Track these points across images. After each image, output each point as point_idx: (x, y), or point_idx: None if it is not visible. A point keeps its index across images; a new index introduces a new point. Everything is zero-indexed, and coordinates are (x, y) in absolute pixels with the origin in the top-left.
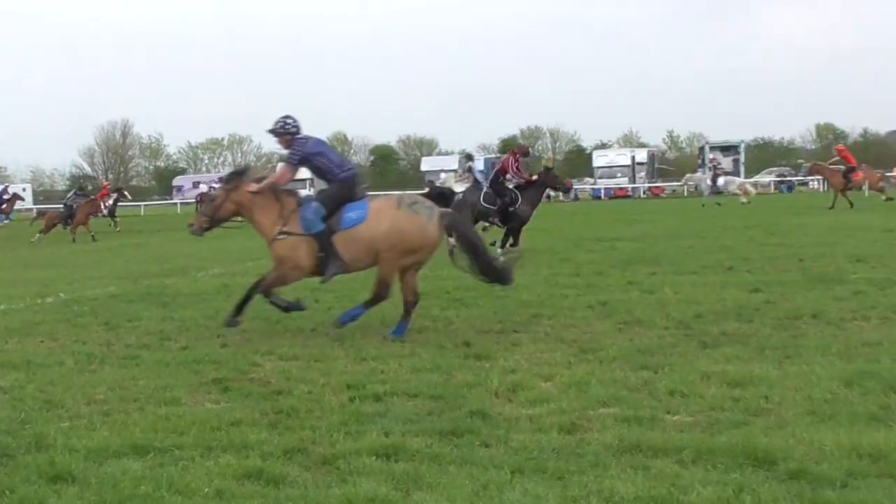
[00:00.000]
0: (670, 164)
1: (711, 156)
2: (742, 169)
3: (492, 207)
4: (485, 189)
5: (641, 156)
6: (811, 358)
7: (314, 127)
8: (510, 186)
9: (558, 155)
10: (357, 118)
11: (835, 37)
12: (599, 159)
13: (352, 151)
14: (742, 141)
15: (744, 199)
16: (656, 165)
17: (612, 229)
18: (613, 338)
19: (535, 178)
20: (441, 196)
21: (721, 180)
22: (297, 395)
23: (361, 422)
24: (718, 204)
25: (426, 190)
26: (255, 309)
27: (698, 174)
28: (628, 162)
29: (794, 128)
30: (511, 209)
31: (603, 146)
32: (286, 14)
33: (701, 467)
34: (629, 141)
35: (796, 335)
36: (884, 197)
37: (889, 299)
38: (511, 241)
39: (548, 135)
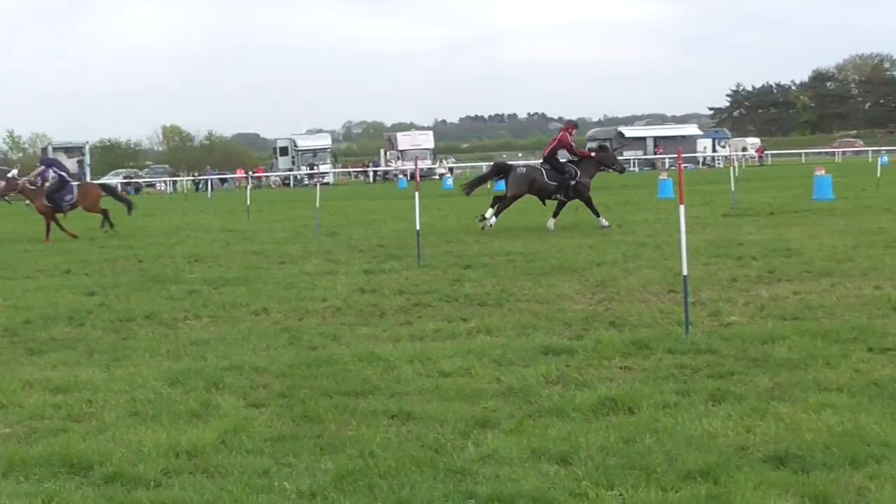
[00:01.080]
0: (13, 164)
1: (54, 157)
2: (88, 170)
3: (554, 184)
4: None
5: None
6: (140, 359)
7: None
8: (564, 161)
9: None
10: None
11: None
12: None
13: None
14: (87, 142)
15: None
16: None
17: None
18: None
19: (592, 154)
20: (501, 171)
21: None
22: None
23: None
24: None
25: (491, 165)
26: None
27: None
28: None
29: (141, 129)
30: (573, 182)
31: None
32: None
33: (13, 479)
34: None
35: (127, 337)
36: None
37: (222, 297)
38: (591, 212)
39: None
